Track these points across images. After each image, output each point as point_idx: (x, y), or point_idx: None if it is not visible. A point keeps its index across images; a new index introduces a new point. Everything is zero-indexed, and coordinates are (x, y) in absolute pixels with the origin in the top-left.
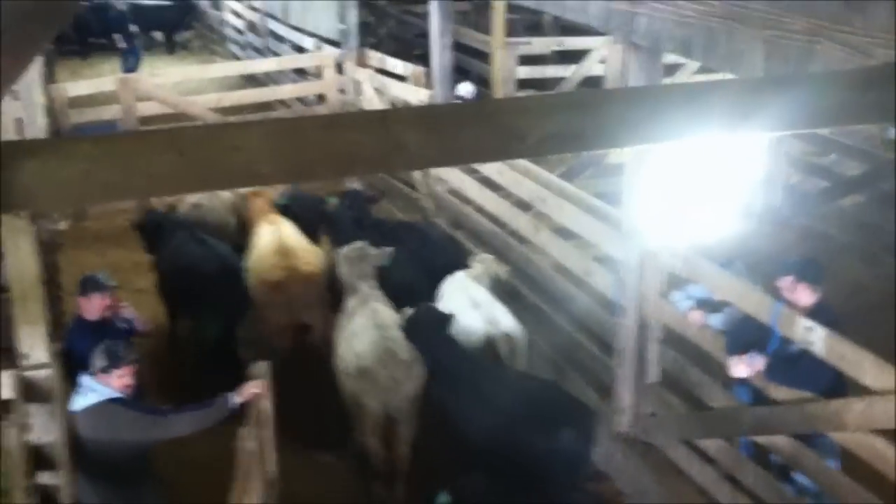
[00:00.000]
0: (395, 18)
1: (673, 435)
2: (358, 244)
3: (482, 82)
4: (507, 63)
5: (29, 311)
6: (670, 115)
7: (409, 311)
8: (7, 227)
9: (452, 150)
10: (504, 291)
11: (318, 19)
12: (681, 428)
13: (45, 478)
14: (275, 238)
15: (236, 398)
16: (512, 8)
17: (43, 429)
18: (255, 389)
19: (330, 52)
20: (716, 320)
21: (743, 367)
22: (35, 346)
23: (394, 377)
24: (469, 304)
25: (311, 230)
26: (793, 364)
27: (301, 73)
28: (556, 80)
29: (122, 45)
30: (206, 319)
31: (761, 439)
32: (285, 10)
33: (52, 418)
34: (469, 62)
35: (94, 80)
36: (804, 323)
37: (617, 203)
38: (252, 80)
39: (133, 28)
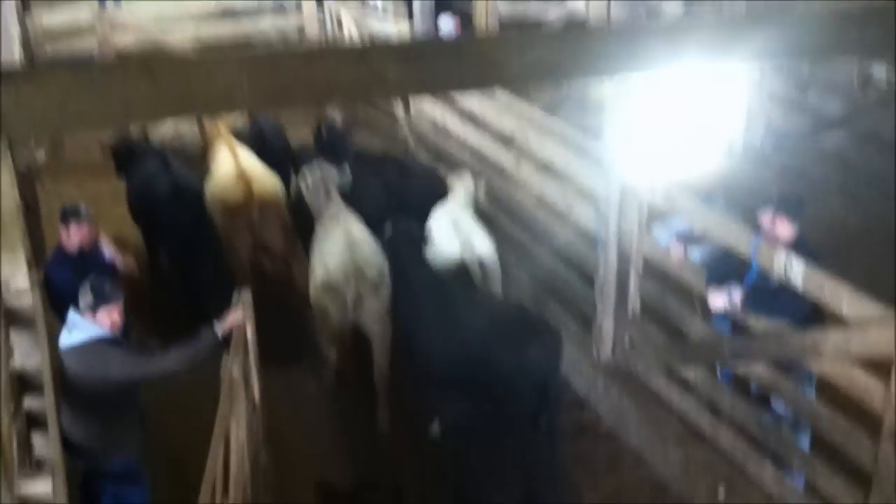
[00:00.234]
0: None
1: (653, 364)
2: (315, 165)
3: (465, 18)
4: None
5: (8, 239)
6: (649, 45)
7: (388, 228)
8: None
9: (431, 80)
10: (482, 209)
11: None
12: (661, 357)
13: (29, 401)
14: (232, 163)
15: (220, 328)
16: None
17: (26, 353)
18: (238, 317)
19: None
20: (696, 253)
21: (721, 300)
22: (15, 274)
23: (359, 293)
24: (450, 227)
25: (270, 158)
26: (772, 296)
27: (281, 8)
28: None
29: None
30: (173, 247)
31: (740, 367)
32: None
33: (35, 343)
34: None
35: (71, 7)
36: (783, 256)
37: (599, 138)
38: (231, 15)
39: None
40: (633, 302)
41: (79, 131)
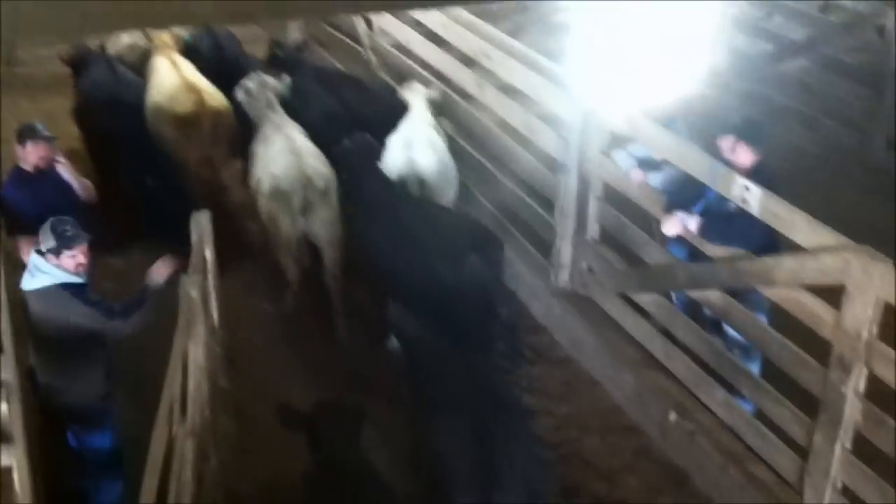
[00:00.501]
0: None
1: (610, 289)
2: (254, 75)
3: None
4: None
5: None
6: None
7: (346, 141)
8: None
9: None
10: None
11: None
12: (618, 283)
13: None
14: (176, 74)
15: (157, 278)
16: None
17: None
18: (169, 265)
19: None
20: (655, 179)
21: (674, 226)
22: None
23: (308, 200)
24: (400, 142)
25: (226, 69)
26: (728, 222)
27: None
28: None
29: None
30: (115, 157)
31: (694, 294)
32: None
33: None
34: None
35: None
36: (740, 182)
37: (562, 62)
38: None
39: None
40: (592, 227)
41: (35, 45)
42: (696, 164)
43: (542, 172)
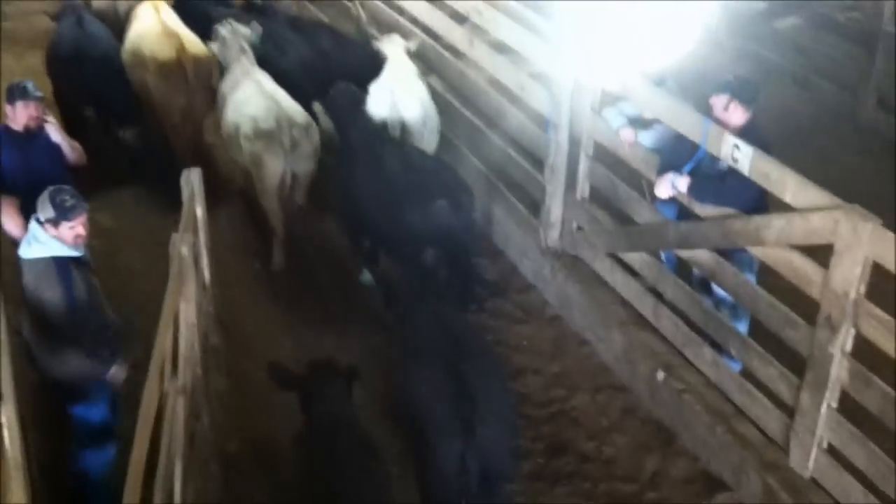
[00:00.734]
0: None
1: (599, 249)
2: (226, 22)
3: None
4: None
5: None
6: None
7: (332, 90)
8: None
9: None
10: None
11: None
12: (607, 242)
13: None
14: (158, 21)
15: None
16: None
17: None
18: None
19: None
20: (646, 138)
21: (666, 189)
22: None
23: (293, 138)
24: (383, 90)
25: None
26: (718, 182)
27: None
28: None
29: None
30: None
31: (684, 254)
32: None
33: None
34: None
35: None
36: (732, 141)
37: (554, 19)
38: None
39: None
40: (582, 186)
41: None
42: (687, 122)
43: (533, 131)
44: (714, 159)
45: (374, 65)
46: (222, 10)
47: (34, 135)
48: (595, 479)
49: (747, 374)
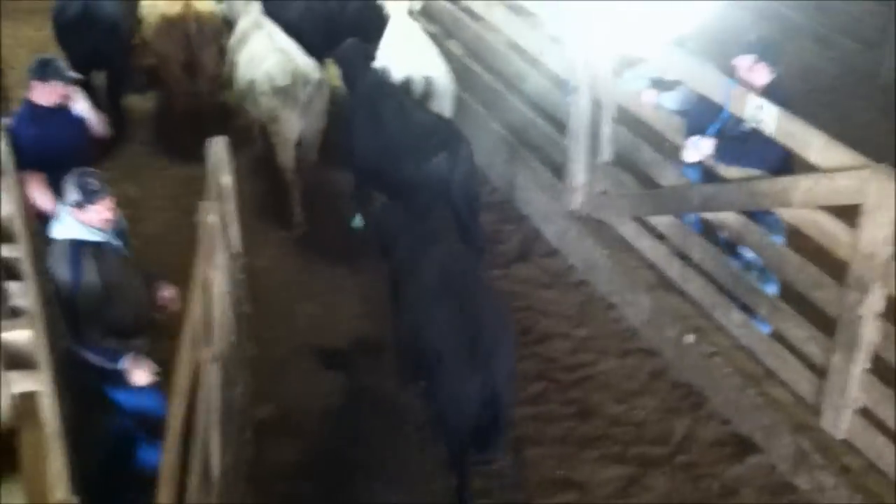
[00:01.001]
0: None
1: (624, 212)
2: None
3: None
4: None
5: None
6: None
7: (341, 46)
8: None
9: None
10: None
11: None
12: (632, 205)
13: (3, 250)
14: None
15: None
16: None
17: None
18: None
19: None
20: (668, 99)
21: (692, 153)
22: None
23: (308, 94)
24: (401, 47)
25: None
26: (742, 143)
27: None
28: None
29: None
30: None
31: (710, 216)
32: None
33: (5, 191)
34: None
35: None
36: (755, 101)
37: None
38: None
39: None
40: (606, 150)
41: None
42: (709, 84)
43: (554, 94)
44: (738, 120)
45: (375, 18)
46: None
47: (60, 110)
48: (625, 443)
49: (777, 336)
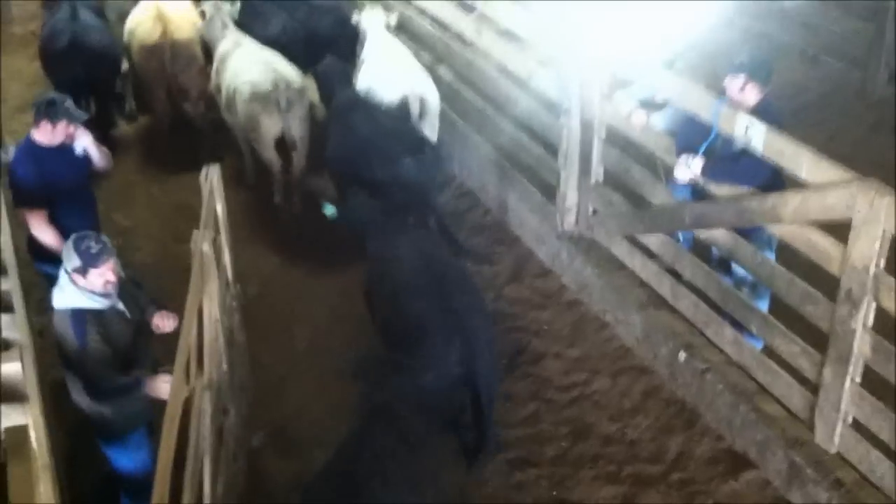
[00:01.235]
0: None
1: (616, 231)
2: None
3: None
4: None
5: None
6: None
7: (321, 64)
8: None
9: None
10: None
11: None
12: (623, 224)
13: None
14: (153, 6)
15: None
16: None
17: None
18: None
19: None
20: (658, 119)
21: (684, 171)
22: None
23: (288, 99)
24: (390, 63)
25: None
26: (733, 161)
27: None
28: None
29: None
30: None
31: (701, 233)
32: None
33: None
34: None
35: None
36: (744, 120)
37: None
38: None
39: None
40: (596, 170)
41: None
42: (698, 103)
43: (544, 116)
44: (728, 139)
45: (349, 34)
46: None
47: (62, 148)
48: (619, 462)
49: (769, 351)
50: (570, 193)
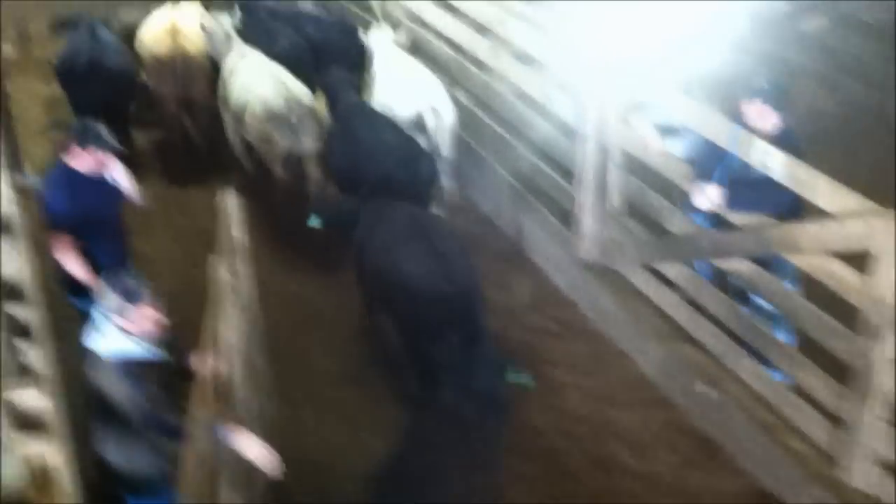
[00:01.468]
0: None
1: (634, 260)
2: (210, 14)
3: None
4: None
5: None
6: None
7: (327, 75)
8: None
9: None
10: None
11: None
12: (642, 253)
13: (14, 308)
14: (170, 16)
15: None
16: None
17: (8, 260)
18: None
19: None
20: (674, 145)
21: (701, 198)
22: None
23: (300, 118)
24: (402, 77)
25: None
26: (751, 188)
27: None
28: None
29: None
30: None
31: (720, 263)
32: None
33: (16, 250)
34: None
35: None
36: (762, 147)
37: (578, 27)
38: None
39: None
40: (613, 197)
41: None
42: (716, 129)
43: (561, 141)
44: (746, 166)
45: (356, 47)
46: None
47: (94, 176)
48: (639, 496)
49: (791, 384)
50: (586, 220)
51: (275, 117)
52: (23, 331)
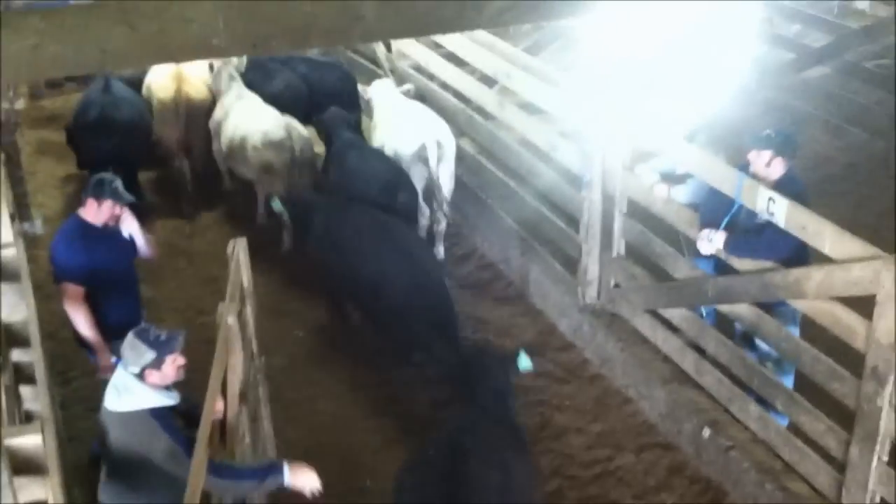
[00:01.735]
0: None
1: (638, 305)
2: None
3: None
4: None
5: None
6: None
7: (325, 113)
8: None
9: (409, 20)
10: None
11: None
12: (646, 298)
13: (16, 354)
14: (175, 65)
15: (287, 476)
16: None
17: (12, 307)
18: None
19: None
20: (680, 193)
21: (706, 245)
22: None
23: (299, 146)
24: (403, 118)
25: None
26: (756, 235)
27: None
28: None
29: None
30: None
31: (724, 308)
32: None
33: (20, 297)
34: None
35: None
36: (766, 194)
37: (582, 77)
38: None
39: None
40: (618, 243)
41: (53, 77)
42: (720, 177)
43: (566, 189)
44: (751, 213)
45: (350, 88)
46: None
47: (108, 229)
48: None
49: (795, 428)
50: (591, 266)
51: (276, 146)
52: (27, 378)
